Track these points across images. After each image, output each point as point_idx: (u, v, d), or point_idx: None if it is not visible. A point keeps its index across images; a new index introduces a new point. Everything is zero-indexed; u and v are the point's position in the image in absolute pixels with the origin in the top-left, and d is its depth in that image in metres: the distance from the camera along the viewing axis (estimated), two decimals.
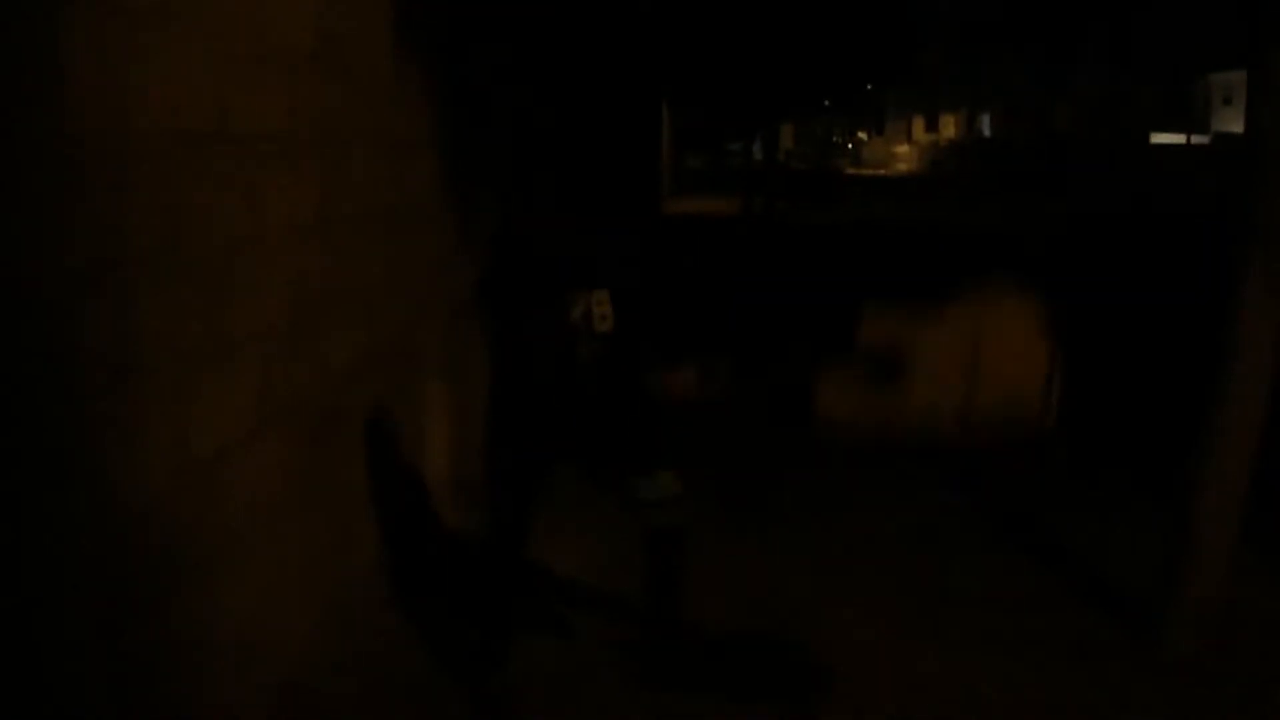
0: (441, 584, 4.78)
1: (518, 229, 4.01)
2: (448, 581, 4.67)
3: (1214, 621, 4.28)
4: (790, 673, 4.20)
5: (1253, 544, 4.55)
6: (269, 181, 3.69)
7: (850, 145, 72.11)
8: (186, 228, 3.14)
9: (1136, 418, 7.58)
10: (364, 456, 4.59)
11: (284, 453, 3.81)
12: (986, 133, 61.86)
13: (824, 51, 25.67)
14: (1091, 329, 11.07)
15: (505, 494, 3.88)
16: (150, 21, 2.92)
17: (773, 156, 30.77)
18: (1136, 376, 8.87)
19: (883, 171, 60.93)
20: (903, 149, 67.77)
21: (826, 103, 46.09)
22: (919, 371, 7.19)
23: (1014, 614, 4.63)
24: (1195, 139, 38.50)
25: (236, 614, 3.49)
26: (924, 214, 28.59)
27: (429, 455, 5.48)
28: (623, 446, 3.94)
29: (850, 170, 58.26)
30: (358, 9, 4.47)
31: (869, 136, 75.55)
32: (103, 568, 2.79)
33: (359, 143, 4.50)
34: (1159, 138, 40.39)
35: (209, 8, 3.24)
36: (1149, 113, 45.14)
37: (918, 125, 71.60)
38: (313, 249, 4.04)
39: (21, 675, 2.52)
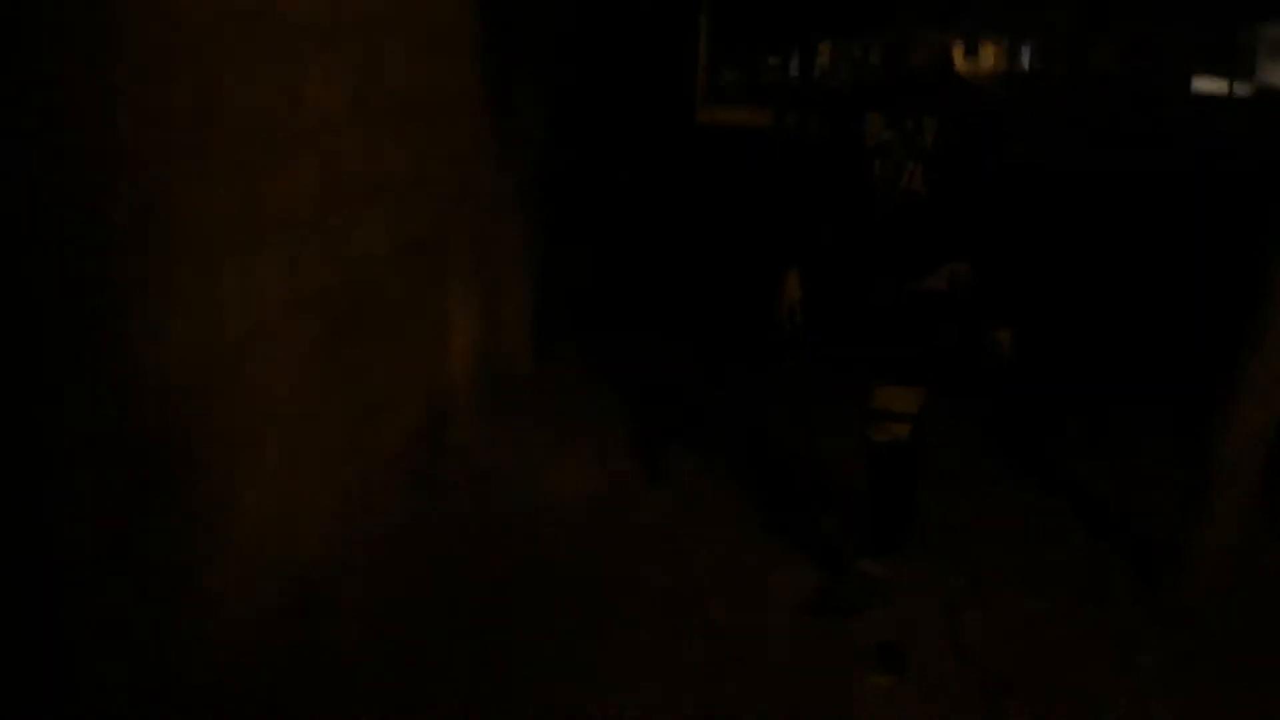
0: None
1: None
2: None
3: (1226, 572, 4.28)
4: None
5: (1272, 498, 4.54)
6: (307, 67, 3.64)
7: None
8: (222, 109, 3.10)
9: (1159, 364, 7.55)
10: (388, 349, 4.59)
11: (308, 341, 3.81)
12: (1026, 66, 60.92)
13: None
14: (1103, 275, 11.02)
15: None
16: None
17: (809, 74, 30.43)
18: (1159, 318, 8.81)
19: None
20: None
21: (865, 24, 45.40)
22: None
23: (1021, 549, 4.65)
24: (1238, 89, 37.82)
25: (255, 501, 3.50)
26: None
27: (452, 355, 5.48)
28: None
29: None
30: None
31: None
32: (122, 436, 2.80)
33: (399, 33, 4.43)
34: (1200, 84, 39.65)
35: None
36: (1191, 58, 44.31)
37: (957, 51, 70.63)
38: (346, 138, 4.00)
39: (29, 539, 2.54)
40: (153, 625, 2.98)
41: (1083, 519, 5.00)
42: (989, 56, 66.54)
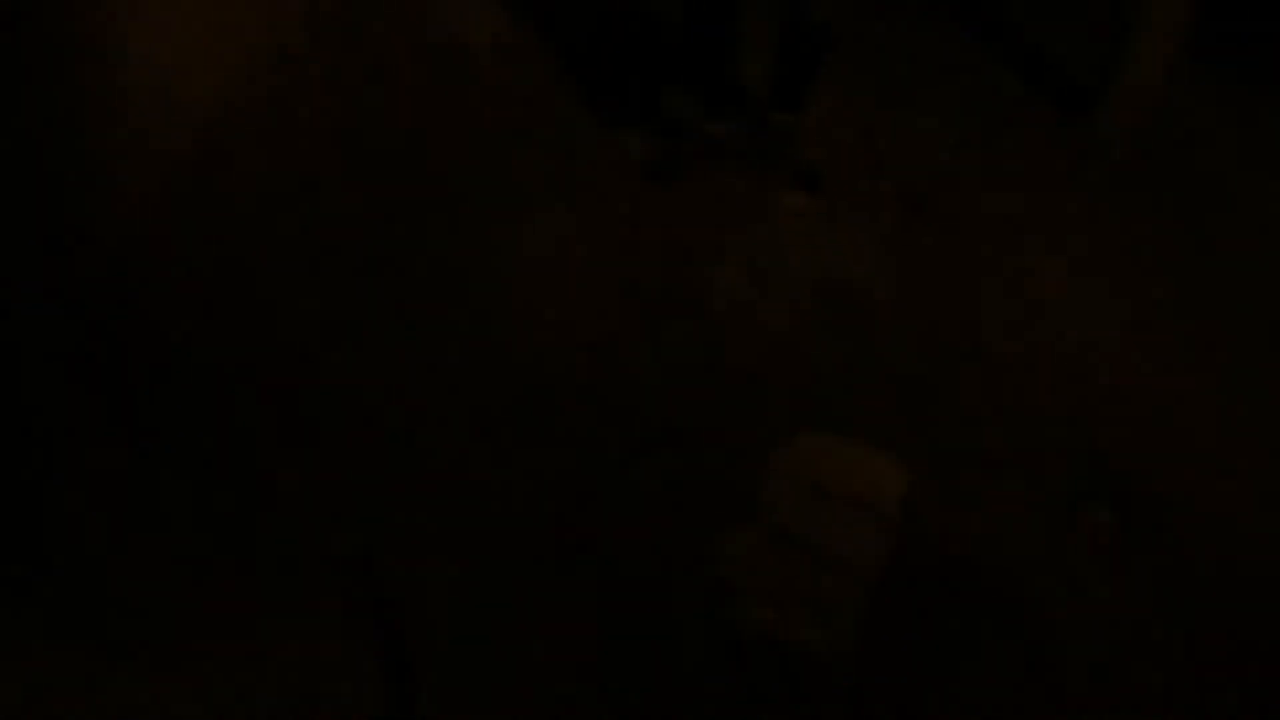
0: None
1: None
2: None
3: (1145, 116, 4.24)
4: None
5: (1202, 58, 4.45)
6: None
7: None
8: None
9: None
10: None
11: None
12: None
13: None
14: None
15: None
16: None
17: None
18: None
19: None
20: None
21: None
22: None
23: (939, 78, 4.49)
24: None
25: (149, 59, 3.43)
26: None
27: None
28: None
29: None
30: None
31: None
32: None
33: None
34: None
35: None
36: None
37: None
38: None
39: None
40: (54, 192, 2.95)
41: (1004, 54, 4.81)
42: None
